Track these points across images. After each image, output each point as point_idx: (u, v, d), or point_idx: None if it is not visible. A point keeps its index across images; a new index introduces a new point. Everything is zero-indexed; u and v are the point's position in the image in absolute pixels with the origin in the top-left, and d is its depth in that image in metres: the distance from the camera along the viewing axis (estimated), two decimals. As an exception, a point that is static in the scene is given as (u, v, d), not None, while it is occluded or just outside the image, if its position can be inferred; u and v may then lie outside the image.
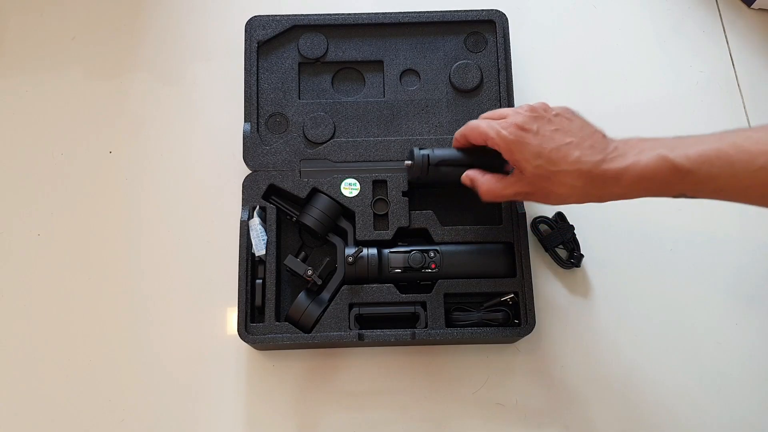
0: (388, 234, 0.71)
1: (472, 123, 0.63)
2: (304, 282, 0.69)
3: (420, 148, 0.69)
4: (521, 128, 0.59)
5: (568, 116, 0.60)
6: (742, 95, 0.83)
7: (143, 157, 0.79)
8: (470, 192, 0.66)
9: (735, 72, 0.84)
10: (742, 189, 0.52)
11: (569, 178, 0.56)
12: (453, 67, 0.77)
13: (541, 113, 0.60)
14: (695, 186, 0.53)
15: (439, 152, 0.68)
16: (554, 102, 0.82)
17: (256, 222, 0.70)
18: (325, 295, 0.69)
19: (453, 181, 0.67)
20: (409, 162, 0.69)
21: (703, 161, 0.51)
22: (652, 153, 0.53)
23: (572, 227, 0.74)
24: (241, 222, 0.70)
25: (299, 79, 0.77)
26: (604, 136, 0.59)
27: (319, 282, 0.69)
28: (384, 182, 0.73)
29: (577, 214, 0.76)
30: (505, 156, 0.60)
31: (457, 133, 0.66)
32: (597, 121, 0.82)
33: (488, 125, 0.61)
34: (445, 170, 0.68)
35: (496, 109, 0.65)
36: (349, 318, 0.68)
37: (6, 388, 0.71)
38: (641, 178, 0.54)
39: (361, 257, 0.69)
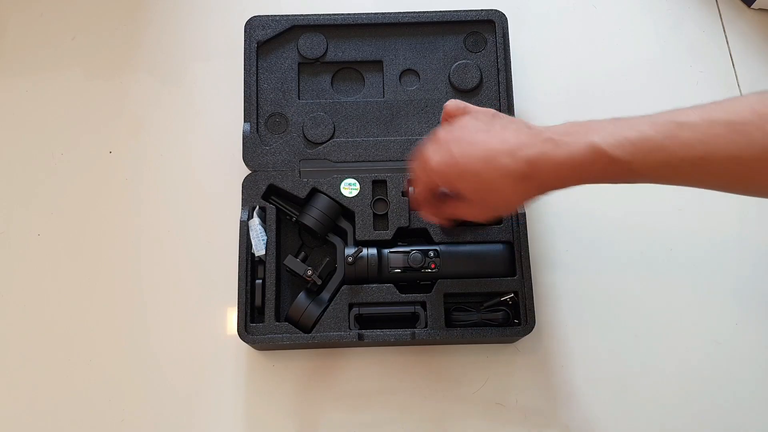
0: (387, 234, 0.71)
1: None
2: (304, 282, 0.69)
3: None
4: (425, 150, 0.55)
5: (482, 118, 0.56)
6: (741, 95, 0.83)
7: (143, 157, 0.79)
8: None
9: (735, 72, 0.84)
10: (684, 177, 0.50)
11: (498, 159, 0.52)
12: (452, 67, 0.77)
13: (441, 133, 0.56)
14: (634, 175, 0.50)
15: None
16: (552, 103, 0.82)
17: (255, 222, 0.70)
18: (325, 295, 0.69)
19: None
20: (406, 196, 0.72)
21: (636, 150, 0.49)
22: (584, 140, 0.50)
23: None
24: (241, 222, 0.70)
25: (299, 79, 0.77)
26: (527, 125, 0.54)
27: (319, 282, 0.69)
28: (384, 182, 0.73)
29: (578, 214, 0.76)
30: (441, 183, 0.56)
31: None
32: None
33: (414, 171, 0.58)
34: None
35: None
36: (349, 318, 0.68)
37: (6, 388, 0.71)
38: (573, 168, 0.50)
39: (361, 257, 0.69)
